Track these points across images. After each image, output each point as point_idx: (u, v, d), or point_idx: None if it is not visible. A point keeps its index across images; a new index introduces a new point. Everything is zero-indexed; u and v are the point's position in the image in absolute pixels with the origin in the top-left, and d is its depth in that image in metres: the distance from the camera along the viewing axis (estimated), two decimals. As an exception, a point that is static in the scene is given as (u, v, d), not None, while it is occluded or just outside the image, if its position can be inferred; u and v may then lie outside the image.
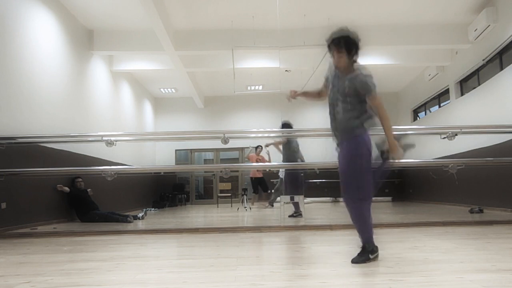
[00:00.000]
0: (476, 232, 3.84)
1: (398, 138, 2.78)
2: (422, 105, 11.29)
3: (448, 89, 9.35)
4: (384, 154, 2.73)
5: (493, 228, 4.17)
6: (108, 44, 7.83)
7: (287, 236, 3.94)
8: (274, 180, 9.75)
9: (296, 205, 6.19)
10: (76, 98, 7.14)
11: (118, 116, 9.27)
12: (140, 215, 6.46)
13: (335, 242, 3.42)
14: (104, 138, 5.05)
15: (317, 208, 8.61)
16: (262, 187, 9.28)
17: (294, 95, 3.02)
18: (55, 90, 6.36)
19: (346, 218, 5.68)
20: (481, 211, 6.38)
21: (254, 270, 2.33)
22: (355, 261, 2.49)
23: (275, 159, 9.58)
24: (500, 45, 7.02)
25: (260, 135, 6.76)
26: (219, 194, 11.43)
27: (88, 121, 7.58)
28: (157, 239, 3.95)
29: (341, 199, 12.21)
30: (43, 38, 6.03)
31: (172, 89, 12.03)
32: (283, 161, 6.36)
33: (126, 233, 4.56)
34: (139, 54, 8.67)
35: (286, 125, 6.14)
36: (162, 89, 12.04)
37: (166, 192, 11.80)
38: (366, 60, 9.09)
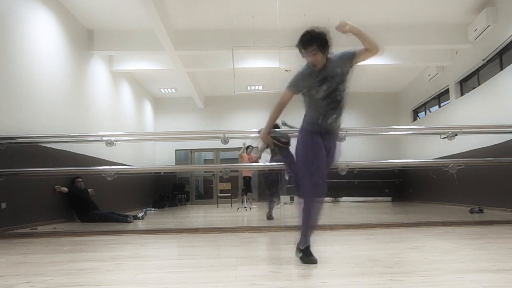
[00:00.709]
0: (476, 232, 3.84)
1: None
2: (422, 105, 11.30)
3: (448, 89, 9.36)
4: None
5: (493, 228, 4.17)
6: (108, 44, 7.83)
7: (287, 236, 3.94)
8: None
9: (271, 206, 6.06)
10: (76, 98, 7.14)
11: (118, 116, 9.27)
12: (140, 215, 6.46)
13: (335, 242, 3.42)
14: (104, 138, 5.05)
15: (317, 208, 8.59)
16: (246, 186, 9.23)
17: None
18: (55, 90, 6.36)
19: (346, 218, 5.69)
20: (481, 211, 6.38)
21: (254, 270, 2.33)
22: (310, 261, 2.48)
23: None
24: (500, 45, 7.02)
25: (259, 135, 6.74)
26: (219, 194, 11.43)
27: (88, 121, 7.58)
28: (157, 239, 3.95)
29: (341, 199, 12.28)
30: (43, 38, 6.03)
31: (172, 89, 12.03)
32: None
33: (126, 233, 4.56)
34: (139, 54, 8.67)
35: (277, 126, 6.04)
36: (162, 89, 12.04)
37: (166, 192, 11.80)
38: (366, 60, 9.14)
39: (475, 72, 8.14)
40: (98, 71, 8.20)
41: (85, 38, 7.57)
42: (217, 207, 10.75)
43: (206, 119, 12.87)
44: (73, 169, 5.91)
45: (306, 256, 2.50)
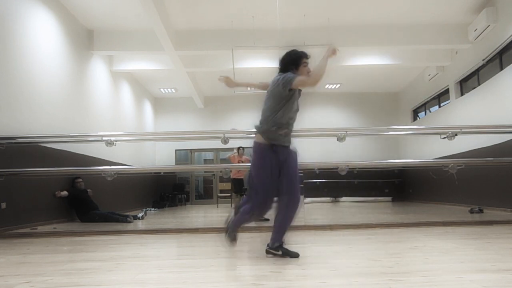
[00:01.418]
0: (476, 232, 3.84)
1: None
2: (422, 105, 11.30)
3: (448, 89, 9.36)
4: None
5: (493, 228, 4.17)
6: (108, 44, 7.83)
7: (287, 236, 3.94)
8: None
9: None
10: (76, 98, 7.14)
11: (118, 116, 9.27)
12: (140, 215, 6.46)
13: (335, 242, 3.42)
14: (104, 138, 5.05)
15: (317, 208, 8.61)
16: (237, 188, 9.07)
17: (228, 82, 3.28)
18: (55, 90, 6.36)
19: (346, 218, 5.69)
20: (481, 211, 6.38)
21: (254, 270, 2.33)
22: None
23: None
24: (500, 45, 7.02)
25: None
26: (219, 194, 11.43)
27: (88, 121, 7.58)
28: (157, 239, 3.95)
29: (341, 199, 12.28)
30: (43, 38, 6.03)
31: (172, 89, 12.03)
32: None
33: (126, 233, 4.56)
34: (139, 54, 8.67)
35: None
36: (162, 89, 12.04)
37: (166, 192, 11.80)
38: (366, 60, 9.17)
39: (475, 72, 8.14)
40: (98, 71, 8.20)
41: (85, 38, 7.57)
42: (217, 207, 10.75)
43: (206, 119, 12.87)
44: (73, 169, 5.91)
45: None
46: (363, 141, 12.52)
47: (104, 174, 4.96)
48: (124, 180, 8.28)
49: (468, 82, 8.64)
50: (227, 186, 11.13)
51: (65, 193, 6.15)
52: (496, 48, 7.14)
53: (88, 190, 6.57)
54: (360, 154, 12.26)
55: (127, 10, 7.00)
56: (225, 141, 5.06)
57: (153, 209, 9.67)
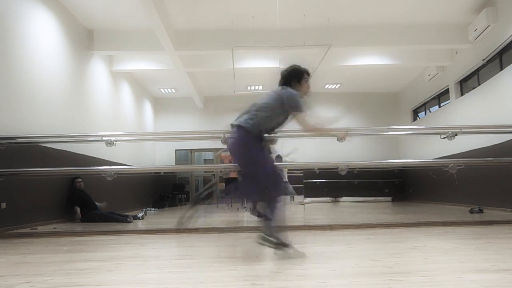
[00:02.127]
0: (476, 232, 3.84)
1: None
2: (422, 105, 11.30)
3: (448, 89, 9.36)
4: None
5: (493, 228, 4.17)
6: (108, 44, 7.83)
7: (287, 236, 3.94)
8: None
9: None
10: (76, 98, 7.14)
11: (118, 116, 9.27)
12: (140, 215, 6.46)
13: (335, 242, 3.42)
14: (104, 138, 5.04)
15: (317, 208, 8.61)
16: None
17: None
18: (55, 90, 6.36)
19: (346, 218, 5.69)
20: (481, 211, 6.38)
21: (254, 270, 2.33)
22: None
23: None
24: (500, 45, 7.02)
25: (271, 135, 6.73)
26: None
27: (88, 121, 7.58)
28: (157, 239, 3.95)
29: (341, 199, 12.27)
30: (43, 38, 6.03)
31: (172, 89, 12.03)
32: None
33: (126, 233, 4.56)
34: (139, 54, 8.67)
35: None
36: (162, 89, 12.04)
37: (166, 192, 11.80)
38: (366, 60, 9.17)
39: (475, 72, 8.14)
40: (98, 71, 8.20)
41: (85, 38, 7.57)
42: (217, 207, 10.75)
43: (206, 119, 12.87)
44: (73, 169, 5.91)
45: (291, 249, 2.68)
46: (363, 141, 12.52)
47: (104, 174, 4.96)
48: (124, 180, 8.28)
49: (468, 82, 8.64)
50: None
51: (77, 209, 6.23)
52: (496, 48, 7.14)
53: (104, 203, 6.57)
54: (360, 154, 12.26)
55: (127, 10, 7.00)
56: (225, 141, 5.05)
57: (153, 209, 9.66)
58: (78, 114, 7.16)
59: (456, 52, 8.77)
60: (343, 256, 2.74)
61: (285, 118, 2.99)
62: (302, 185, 9.87)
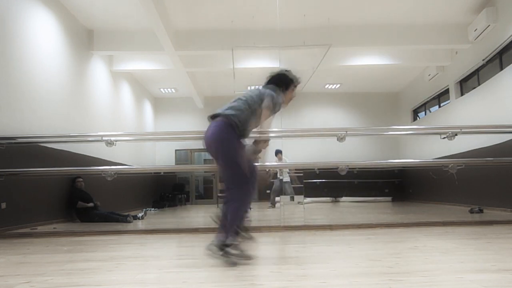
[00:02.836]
0: (476, 232, 3.84)
1: None
2: (422, 105, 11.30)
3: (448, 89, 9.36)
4: None
5: (493, 228, 4.17)
6: (108, 44, 7.83)
7: (287, 236, 3.94)
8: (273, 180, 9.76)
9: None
10: (76, 98, 7.14)
11: (118, 116, 9.27)
12: (140, 215, 6.46)
13: (335, 242, 3.42)
14: (104, 138, 5.04)
15: (317, 208, 8.61)
16: None
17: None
18: (55, 90, 6.36)
19: (346, 218, 5.69)
20: (481, 211, 6.38)
21: (254, 270, 2.33)
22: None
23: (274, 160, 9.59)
24: (500, 45, 7.02)
25: (259, 135, 6.75)
26: (219, 194, 11.40)
27: (88, 121, 7.58)
28: (157, 239, 3.95)
29: (341, 199, 12.27)
30: (43, 38, 6.03)
31: (172, 89, 12.03)
32: None
33: (126, 233, 4.56)
34: (139, 54, 8.67)
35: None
36: (162, 89, 12.04)
37: (166, 192, 11.80)
38: (366, 60, 9.17)
39: (475, 72, 8.14)
40: (98, 71, 8.20)
41: (85, 38, 7.57)
42: (217, 207, 10.74)
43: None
44: (73, 169, 5.91)
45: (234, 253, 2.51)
46: (363, 141, 12.53)
47: (104, 174, 4.96)
48: (124, 180, 8.28)
49: (468, 82, 8.64)
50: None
51: (91, 204, 6.28)
52: (496, 48, 7.14)
53: (97, 202, 6.57)
54: (360, 154, 12.26)
55: (127, 10, 7.00)
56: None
57: (153, 209, 9.66)
58: (78, 114, 7.16)
59: (456, 52, 8.76)
60: (343, 256, 2.74)
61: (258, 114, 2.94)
62: (302, 185, 9.87)
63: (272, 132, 6.74)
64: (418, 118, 11.76)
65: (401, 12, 7.37)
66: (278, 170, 9.39)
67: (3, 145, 4.81)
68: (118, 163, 8.70)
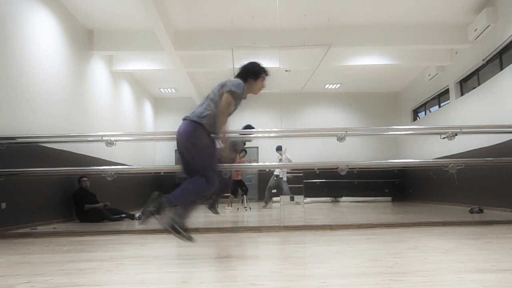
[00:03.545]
0: (476, 232, 3.84)
1: None
2: (422, 105, 11.30)
3: (448, 89, 9.36)
4: None
5: (493, 228, 4.17)
6: (108, 44, 7.83)
7: (287, 236, 3.94)
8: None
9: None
10: (76, 98, 7.14)
11: (118, 116, 9.27)
12: (137, 215, 6.39)
13: (335, 242, 3.42)
14: (104, 138, 5.04)
15: (317, 208, 8.61)
16: (243, 189, 9.07)
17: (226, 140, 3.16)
18: (55, 90, 6.36)
19: (346, 218, 5.69)
20: (481, 211, 6.38)
21: (254, 270, 2.33)
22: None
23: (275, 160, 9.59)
24: (500, 45, 7.02)
25: (260, 135, 6.76)
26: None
27: (88, 121, 7.58)
28: (157, 239, 3.95)
29: (341, 199, 12.27)
30: (43, 38, 6.03)
31: (172, 89, 12.03)
32: None
33: (126, 233, 4.56)
34: (139, 54, 8.67)
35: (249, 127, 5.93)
36: (162, 89, 12.04)
37: (166, 192, 11.75)
38: (366, 60, 9.17)
39: (475, 72, 8.14)
40: (98, 71, 8.20)
41: (85, 38, 7.57)
42: (217, 207, 10.73)
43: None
44: (73, 169, 5.90)
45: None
46: (363, 141, 12.53)
47: (104, 174, 4.95)
48: (124, 180, 8.29)
49: (468, 82, 8.64)
50: (227, 186, 11.11)
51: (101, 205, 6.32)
52: (496, 48, 7.14)
53: (107, 203, 6.58)
54: (360, 154, 12.27)
55: (127, 10, 7.00)
56: (225, 141, 5.03)
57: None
58: (78, 114, 7.16)
59: (456, 52, 8.77)
60: (343, 256, 2.74)
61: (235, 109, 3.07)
62: (302, 185, 9.87)
63: (272, 132, 6.76)
64: (418, 118, 11.76)
65: (401, 12, 7.37)
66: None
67: (3, 145, 4.81)
68: (118, 163, 8.70)
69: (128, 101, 10.14)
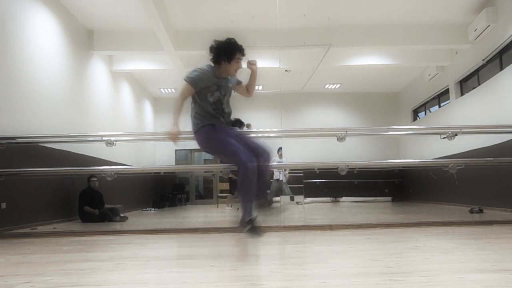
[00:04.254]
0: (476, 232, 3.84)
1: None
2: (422, 105, 11.30)
3: (448, 89, 9.36)
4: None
5: (493, 228, 4.17)
6: (108, 44, 7.83)
7: (287, 236, 3.94)
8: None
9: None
10: (76, 98, 7.14)
11: (118, 116, 9.27)
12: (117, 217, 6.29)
13: (335, 242, 3.42)
14: (104, 138, 5.03)
15: (317, 208, 8.61)
16: (234, 188, 9.05)
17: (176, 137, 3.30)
18: (55, 90, 6.36)
19: (346, 218, 5.69)
20: (481, 211, 6.38)
21: (254, 270, 2.33)
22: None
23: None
24: (500, 45, 7.02)
25: (260, 135, 6.75)
26: (219, 194, 11.42)
27: (88, 121, 7.58)
28: (157, 239, 3.95)
29: (341, 199, 12.27)
30: (43, 38, 6.02)
31: (172, 89, 12.03)
32: None
33: (126, 233, 4.56)
34: (139, 54, 8.67)
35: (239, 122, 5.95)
36: (162, 89, 12.04)
37: (166, 192, 11.80)
38: (366, 60, 9.17)
39: (475, 72, 8.14)
40: (98, 71, 8.20)
41: (85, 38, 7.57)
42: (217, 207, 10.75)
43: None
44: (73, 169, 5.91)
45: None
46: (363, 141, 12.52)
47: (104, 174, 4.95)
48: (124, 180, 8.27)
49: (468, 82, 8.64)
50: (227, 186, 11.12)
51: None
52: (496, 48, 7.14)
53: (119, 205, 6.60)
54: (360, 154, 12.26)
55: (127, 10, 7.00)
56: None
57: (153, 209, 9.66)
58: (78, 114, 7.16)
59: (456, 52, 8.76)
60: (343, 256, 2.74)
61: (218, 93, 3.13)
62: (302, 185, 9.87)
63: (273, 132, 6.76)
64: (418, 118, 11.76)
65: (401, 12, 7.37)
66: (275, 170, 9.40)
67: (3, 145, 4.80)
68: (118, 163, 8.69)
69: (128, 101, 10.14)
